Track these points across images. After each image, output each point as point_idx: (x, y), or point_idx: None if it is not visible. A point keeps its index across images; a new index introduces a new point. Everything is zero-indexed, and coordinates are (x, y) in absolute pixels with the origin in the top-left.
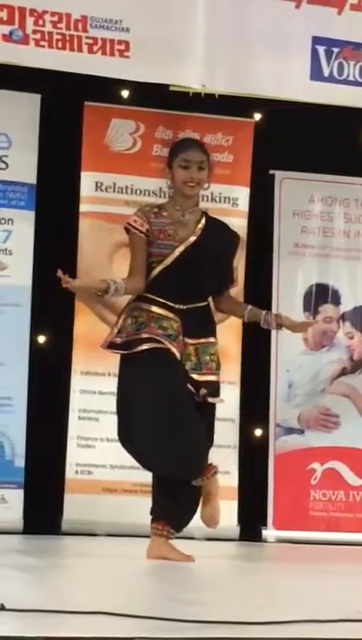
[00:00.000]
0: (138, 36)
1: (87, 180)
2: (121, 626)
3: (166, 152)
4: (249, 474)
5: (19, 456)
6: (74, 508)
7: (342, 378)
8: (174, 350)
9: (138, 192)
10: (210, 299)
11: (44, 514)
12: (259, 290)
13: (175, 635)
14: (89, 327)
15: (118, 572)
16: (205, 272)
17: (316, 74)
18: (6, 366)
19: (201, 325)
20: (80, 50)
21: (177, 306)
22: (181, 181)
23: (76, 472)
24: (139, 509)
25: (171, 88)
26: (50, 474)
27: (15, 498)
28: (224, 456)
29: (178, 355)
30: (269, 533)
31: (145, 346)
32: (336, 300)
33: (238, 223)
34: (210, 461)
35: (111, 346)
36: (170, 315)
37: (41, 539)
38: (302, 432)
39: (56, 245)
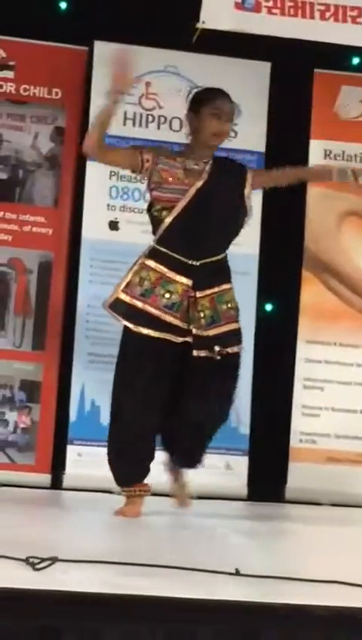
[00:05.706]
0: None
1: (316, 148)
2: (356, 596)
3: None
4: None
5: (243, 423)
6: (298, 476)
7: None
8: (169, 337)
9: None
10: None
11: (268, 482)
12: None
13: None
14: (315, 296)
15: (348, 542)
16: (217, 218)
17: None
18: None
19: (215, 274)
20: (312, 17)
21: (190, 262)
22: (211, 132)
23: (300, 440)
24: None
25: None
26: (275, 442)
27: (240, 465)
28: None
29: (174, 338)
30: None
31: (143, 331)
32: None
33: None
34: None
35: (113, 306)
36: (178, 277)
37: (265, 506)
38: None
39: (283, 214)
